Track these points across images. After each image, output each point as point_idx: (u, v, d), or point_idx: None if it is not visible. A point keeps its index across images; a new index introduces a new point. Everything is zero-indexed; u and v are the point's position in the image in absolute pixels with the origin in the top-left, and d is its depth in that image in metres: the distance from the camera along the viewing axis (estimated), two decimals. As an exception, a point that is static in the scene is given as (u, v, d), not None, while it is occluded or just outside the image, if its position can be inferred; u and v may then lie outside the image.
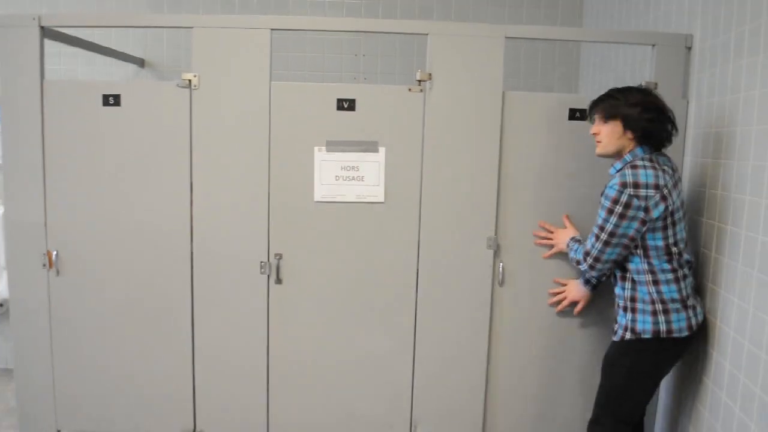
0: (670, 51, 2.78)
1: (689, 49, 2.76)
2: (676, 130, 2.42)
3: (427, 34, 2.76)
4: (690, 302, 2.42)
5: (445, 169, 2.80)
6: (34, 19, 2.74)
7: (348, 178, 2.81)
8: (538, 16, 4.10)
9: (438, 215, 2.84)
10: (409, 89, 2.78)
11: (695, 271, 2.58)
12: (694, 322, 2.41)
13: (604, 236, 2.37)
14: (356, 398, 2.99)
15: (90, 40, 3.59)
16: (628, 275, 2.46)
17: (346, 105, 2.78)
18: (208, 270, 2.88)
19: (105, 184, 2.83)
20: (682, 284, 2.40)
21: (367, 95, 2.80)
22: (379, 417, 3.01)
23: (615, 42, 3.53)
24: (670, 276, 2.38)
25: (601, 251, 2.42)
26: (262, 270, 2.86)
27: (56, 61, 4.07)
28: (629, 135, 2.38)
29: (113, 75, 4.16)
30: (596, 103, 2.47)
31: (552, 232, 2.82)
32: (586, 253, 2.48)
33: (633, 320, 2.43)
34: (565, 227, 2.81)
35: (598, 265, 2.47)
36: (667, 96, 2.72)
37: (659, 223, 2.31)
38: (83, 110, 2.80)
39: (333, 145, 2.79)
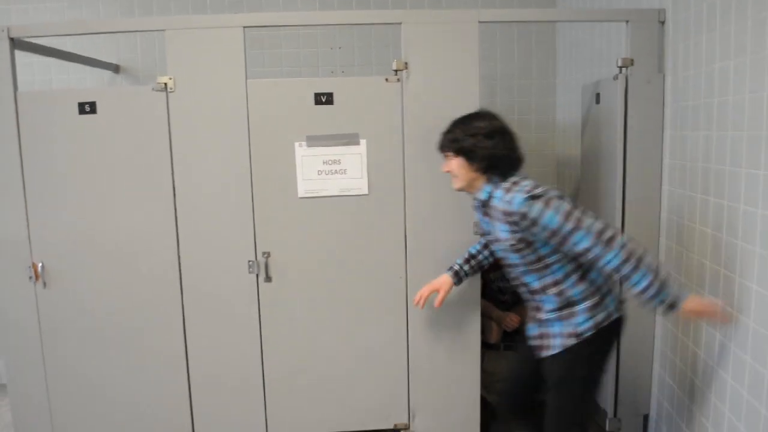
0: (644, 26, 2.78)
1: (662, 23, 2.77)
2: (520, 150, 2.37)
3: (400, 23, 2.76)
4: (606, 288, 2.37)
5: (428, 157, 2.80)
6: (2, 30, 2.70)
7: (330, 172, 2.81)
8: (511, 0, 4.10)
9: (423, 204, 2.84)
10: (386, 79, 2.77)
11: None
12: (611, 307, 2.38)
13: (596, 225, 2.16)
14: (353, 391, 3.00)
15: (63, 48, 3.55)
16: (556, 286, 2.31)
17: (324, 99, 2.77)
18: (196, 272, 2.87)
19: (86, 193, 2.81)
20: (593, 274, 2.34)
21: (345, 88, 2.79)
22: (376, 408, 3.02)
23: (588, 20, 3.55)
24: (589, 265, 2.31)
25: (611, 228, 2.18)
26: (251, 269, 2.86)
27: (29, 71, 4.03)
28: (475, 166, 2.34)
29: (88, 82, 4.12)
30: (441, 139, 2.45)
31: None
32: (623, 245, 2.13)
33: (574, 324, 2.32)
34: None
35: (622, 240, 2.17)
36: (644, 71, 2.75)
37: None
38: (60, 120, 2.77)
39: (313, 140, 2.79)
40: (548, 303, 2.36)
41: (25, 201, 2.81)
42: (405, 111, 2.78)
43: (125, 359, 2.94)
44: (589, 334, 2.30)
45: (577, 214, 2.16)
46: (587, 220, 2.15)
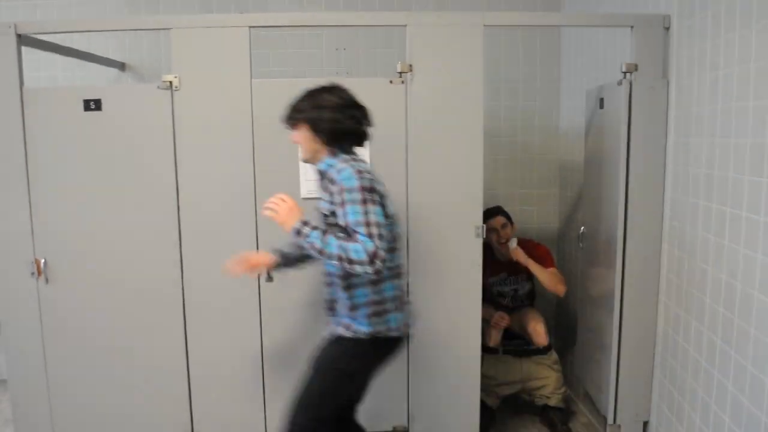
0: (649, 32, 2.78)
1: (667, 29, 2.77)
2: (369, 125, 2.35)
3: (405, 26, 2.76)
4: (406, 299, 2.41)
5: (430, 159, 2.80)
6: (10, 27, 2.71)
7: (333, 172, 2.81)
8: (516, 2, 4.09)
9: (425, 206, 2.84)
10: (391, 81, 2.78)
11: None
12: (410, 321, 2.43)
13: (376, 230, 2.13)
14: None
15: (69, 45, 3.56)
16: (348, 277, 2.30)
17: None
18: (198, 270, 2.87)
19: (90, 190, 2.82)
20: (397, 282, 2.38)
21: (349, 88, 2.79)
22: (375, 410, 3.01)
23: (594, 25, 3.55)
24: (388, 274, 2.33)
25: (382, 248, 2.12)
26: (252, 269, 2.86)
27: (35, 68, 4.04)
28: (320, 138, 2.31)
29: (94, 80, 4.12)
30: (287, 111, 2.39)
31: (278, 203, 2.30)
32: (374, 255, 2.09)
33: (353, 319, 2.33)
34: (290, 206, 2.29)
35: (380, 264, 2.13)
36: (648, 77, 2.75)
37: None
38: (65, 116, 2.77)
39: None
40: (339, 294, 2.36)
41: (29, 196, 2.81)
42: (409, 113, 2.78)
43: (126, 356, 2.94)
44: (363, 337, 2.31)
45: (372, 214, 2.14)
46: (374, 228, 2.12)
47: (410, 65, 2.76)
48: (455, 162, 2.82)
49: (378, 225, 2.13)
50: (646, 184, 2.82)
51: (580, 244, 3.37)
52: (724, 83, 2.33)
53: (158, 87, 2.74)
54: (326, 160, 2.32)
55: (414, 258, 2.88)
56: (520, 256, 3.46)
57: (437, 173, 2.83)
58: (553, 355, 3.53)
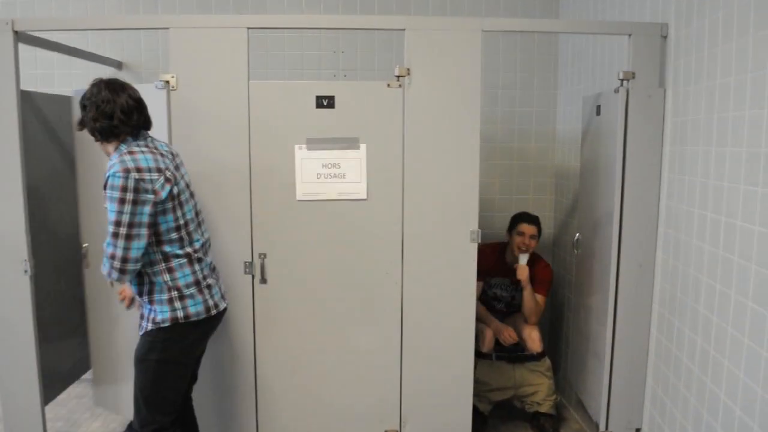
0: (646, 40, 2.79)
1: (665, 38, 2.78)
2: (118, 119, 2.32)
3: (404, 30, 2.76)
4: (206, 283, 2.47)
5: (427, 164, 2.80)
6: (7, 23, 2.70)
7: (329, 175, 2.81)
8: (515, 8, 4.10)
9: (421, 210, 2.84)
10: (388, 85, 2.78)
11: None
12: (211, 303, 2.47)
13: (124, 230, 2.22)
14: (345, 395, 2.99)
15: (66, 43, 3.55)
16: (142, 270, 2.37)
17: (326, 102, 2.77)
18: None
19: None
20: (197, 266, 2.44)
21: (346, 92, 2.80)
22: (368, 413, 3.01)
23: (591, 33, 3.56)
24: (184, 260, 2.40)
25: (126, 248, 2.23)
26: (246, 270, 2.85)
27: (32, 65, 4.03)
28: (95, 138, 2.37)
29: (90, 78, 4.10)
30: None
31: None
32: (112, 257, 2.23)
33: (153, 311, 2.40)
34: None
35: (130, 266, 2.26)
36: (645, 85, 2.76)
37: (168, 205, 2.32)
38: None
39: (313, 143, 2.79)
40: (135, 285, 2.43)
41: (24, 198, 2.79)
42: (406, 117, 2.79)
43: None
44: (165, 324, 2.38)
45: (131, 202, 2.21)
46: (127, 217, 2.21)
47: (408, 69, 2.76)
48: (452, 166, 2.82)
49: (128, 225, 2.22)
50: (641, 191, 2.83)
51: (575, 251, 3.37)
52: (720, 92, 2.34)
53: (156, 86, 2.73)
54: (120, 147, 2.35)
55: (408, 261, 2.88)
56: (523, 275, 3.47)
57: (433, 177, 2.83)
58: (547, 362, 3.53)
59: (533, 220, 3.62)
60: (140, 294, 2.42)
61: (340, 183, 2.82)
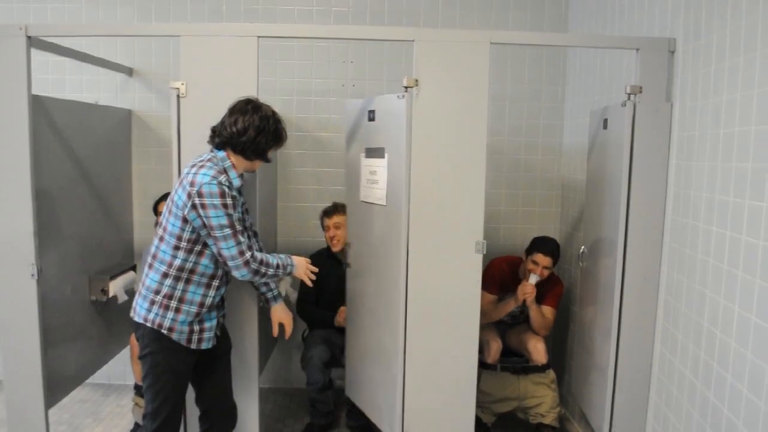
0: (654, 55, 2.80)
1: (672, 52, 2.79)
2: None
3: (413, 41, 2.78)
4: (217, 313, 2.57)
5: (432, 174, 2.81)
6: (20, 28, 2.73)
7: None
8: (524, 21, 4.12)
9: (426, 219, 2.85)
10: (398, 97, 2.79)
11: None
12: (195, 338, 2.51)
13: (231, 230, 2.40)
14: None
15: (78, 49, 3.58)
16: (166, 270, 2.45)
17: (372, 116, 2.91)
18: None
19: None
20: (212, 292, 2.50)
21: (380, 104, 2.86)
22: (370, 422, 3.01)
23: (599, 47, 3.57)
24: (205, 280, 2.47)
25: (245, 244, 2.44)
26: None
27: (44, 70, 4.07)
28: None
29: (101, 83, 4.15)
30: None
31: None
32: (244, 261, 2.43)
33: (144, 309, 2.48)
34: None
35: (254, 262, 2.47)
36: (652, 99, 2.77)
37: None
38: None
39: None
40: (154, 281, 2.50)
41: (33, 199, 2.81)
42: (413, 127, 2.79)
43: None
44: (150, 326, 2.45)
45: (230, 206, 2.41)
46: (228, 219, 2.39)
47: (416, 80, 2.78)
48: (458, 177, 2.83)
49: (232, 225, 2.40)
50: (647, 205, 2.83)
51: (581, 264, 3.37)
52: (727, 108, 2.35)
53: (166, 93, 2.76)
54: (204, 155, 2.56)
55: (413, 271, 2.88)
56: (529, 295, 3.45)
57: (439, 188, 2.83)
58: (551, 374, 3.53)
59: (551, 252, 3.55)
60: (153, 291, 2.46)
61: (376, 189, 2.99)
